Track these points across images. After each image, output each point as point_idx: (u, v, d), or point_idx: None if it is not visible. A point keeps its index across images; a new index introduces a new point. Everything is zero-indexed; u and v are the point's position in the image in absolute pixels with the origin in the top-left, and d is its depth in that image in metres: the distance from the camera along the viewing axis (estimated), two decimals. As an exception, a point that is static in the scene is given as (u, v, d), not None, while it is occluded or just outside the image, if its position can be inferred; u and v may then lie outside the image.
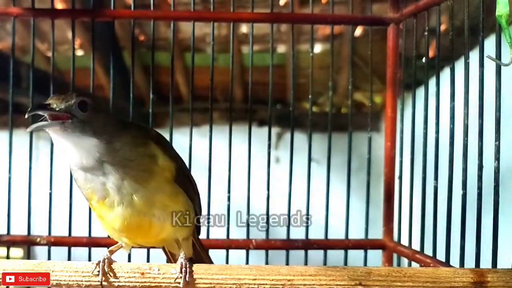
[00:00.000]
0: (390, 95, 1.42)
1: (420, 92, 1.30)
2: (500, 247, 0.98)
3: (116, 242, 1.04)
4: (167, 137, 1.15)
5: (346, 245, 1.42)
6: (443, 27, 1.24)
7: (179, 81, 3.59)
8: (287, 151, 1.42)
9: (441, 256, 1.15)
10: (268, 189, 1.39)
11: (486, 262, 0.98)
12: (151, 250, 1.32)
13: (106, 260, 0.93)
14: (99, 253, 0.97)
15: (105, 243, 1.28)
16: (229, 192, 1.38)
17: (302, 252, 1.40)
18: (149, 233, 0.97)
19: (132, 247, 1.07)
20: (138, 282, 0.91)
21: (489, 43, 1.00)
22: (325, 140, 1.43)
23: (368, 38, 1.45)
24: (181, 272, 0.91)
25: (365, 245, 1.43)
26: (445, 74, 1.15)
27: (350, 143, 1.44)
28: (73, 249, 1.38)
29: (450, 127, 1.12)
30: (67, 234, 1.37)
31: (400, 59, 1.42)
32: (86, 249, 1.36)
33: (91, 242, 1.36)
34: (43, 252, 1.37)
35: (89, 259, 1.32)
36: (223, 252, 1.38)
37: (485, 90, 1.02)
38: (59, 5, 2.31)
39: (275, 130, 3.61)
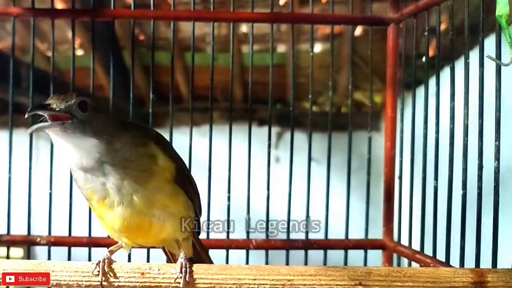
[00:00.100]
0: (390, 95, 1.42)
1: (420, 91, 1.30)
2: (500, 247, 0.98)
3: (116, 242, 1.04)
4: (167, 137, 1.15)
5: (346, 245, 1.42)
6: (443, 27, 1.24)
7: (179, 80, 3.59)
8: (287, 151, 1.42)
9: (441, 256, 1.15)
10: (268, 189, 1.39)
11: (486, 262, 0.98)
12: (151, 250, 1.32)
13: (106, 260, 0.93)
14: (99, 253, 0.97)
15: (105, 243, 1.28)
16: (229, 192, 1.38)
17: (302, 252, 1.40)
18: (149, 233, 0.97)
19: (132, 247, 1.07)
20: (138, 282, 0.91)
21: (489, 43, 1.00)
22: (325, 140, 1.43)
23: (368, 38, 1.45)
24: (181, 272, 0.91)
25: (365, 245, 1.43)
26: (445, 73, 1.15)
27: (350, 142, 1.44)
28: (73, 249, 1.38)
29: (450, 127, 1.12)
30: (67, 234, 1.37)
31: (400, 58, 1.42)
32: (86, 249, 1.36)
33: (91, 242, 1.36)
34: (43, 252, 1.37)
35: (89, 259, 1.32)
36: (223, 252, 1.38)
37: (485, 90, 1.02)
38: (59, 5, 2.31)
39: (275, 130, 3.61)
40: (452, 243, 1.11)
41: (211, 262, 1.17)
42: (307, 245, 1.40)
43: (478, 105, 1.02)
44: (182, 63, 3.51)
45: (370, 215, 1.45)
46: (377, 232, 1.46)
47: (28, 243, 1.38)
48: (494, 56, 0.95)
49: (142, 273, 0.91)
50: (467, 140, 1.06)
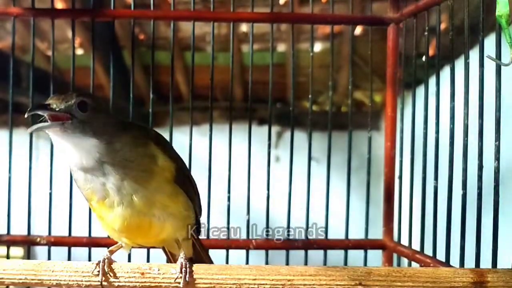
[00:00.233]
0: (390, 94, 1.42)
1: (420, 91, 1.30)
2: (500, 247, 0.98)
3: (116, 242, 1.04)
4: (167, 136, 1.15)
5: (346, 245, 1.42)
6: (443, 27, 1.24)
7: (179, 80, 3.59)
8: (287, 150, 1.42)
9: (441, 256, 1.14)
10: (268, 189, 1.39)
11: (486, 262, 0.98)
12: (151, 250, 1.32)
13: (106, 260, 0.93)
14: (99, 253, 0.97)
15: (105, 243, 1.28)
16: (229, 192, 1.38)
17: (302, 252, 1.40)
18: (149, 233, 0.97)
19: (132, 247, 1.07)
20: (138, 282, 0.91)
21: (489, 42, 1.00)
22: (325, 139, 1.43)
23: (368, 38, 1.45)
24: (181, 272, 0.91)
25: (365, 245, 1.43)
26: (445, 73, 1.15)
27: (350, 142, 1.44)
28: (73, 249, 1.38)
29: (450, 127, 1.12)
30: (67, 234, 1.37)
31: (400, 58, 1.42)
32: (86, 249, 1.36)
33: (91, 242, 1.36)
34: (43, 252, 1.37)
35: (89, 259, 1.32)
36: (223, 252, 1.38)
37: (485, 90, 1.02)
38: (59, 5, 2.31)
39: (275, 129, 3.61)
40: (452, 243, 1.11)
41: (211, 262, 1.17)
42: (307, 245, 1.40)
43: (478, 105, 1.02)
44: (182, 62, 3.51)
45: (370, 215, 1.45)
46: (377, 232, 1.46)
47: (28, 243, 1.38)
48: (494, 56, 0.95)
49: (142, 273, 0.91)
50: (467, 140, 1.06)
